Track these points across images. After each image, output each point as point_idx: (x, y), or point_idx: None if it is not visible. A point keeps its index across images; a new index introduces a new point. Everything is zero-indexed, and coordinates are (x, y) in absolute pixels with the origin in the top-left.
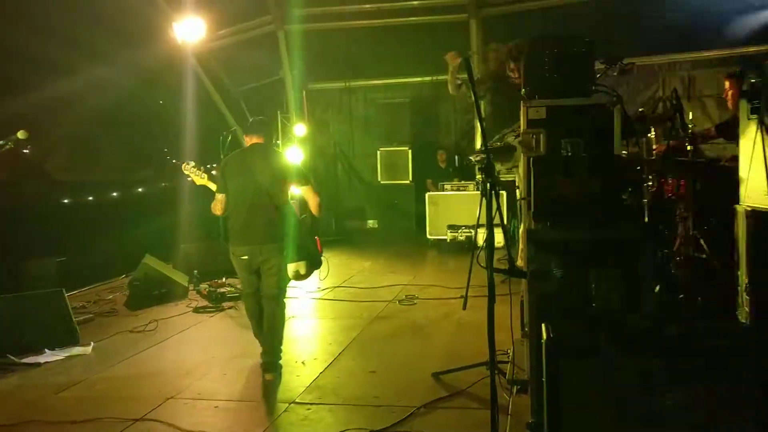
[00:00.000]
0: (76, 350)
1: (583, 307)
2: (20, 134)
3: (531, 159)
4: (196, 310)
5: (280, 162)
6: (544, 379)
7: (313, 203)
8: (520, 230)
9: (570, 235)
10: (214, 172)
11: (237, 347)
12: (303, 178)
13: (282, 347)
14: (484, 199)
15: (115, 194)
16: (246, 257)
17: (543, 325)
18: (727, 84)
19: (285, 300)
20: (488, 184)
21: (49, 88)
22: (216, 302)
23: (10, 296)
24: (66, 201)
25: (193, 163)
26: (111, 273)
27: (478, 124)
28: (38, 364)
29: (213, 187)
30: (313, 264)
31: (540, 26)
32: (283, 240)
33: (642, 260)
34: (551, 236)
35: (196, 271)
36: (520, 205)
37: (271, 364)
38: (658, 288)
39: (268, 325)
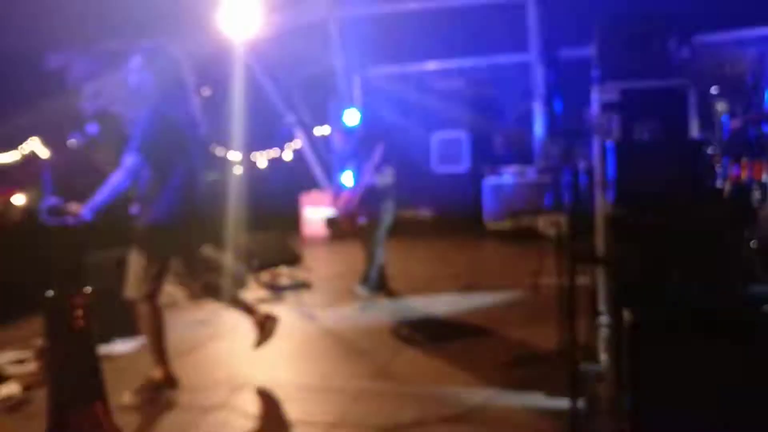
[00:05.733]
0: None
1: (666, 293)
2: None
3: (612, 144)
4: (258, 300)
5: None
6: (625, 365)
7: None
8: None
9: (653, 220)
10: None
11: (303, 336)
12: None
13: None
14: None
15: None
16: None
17: (624, 311)
18: None
19: None
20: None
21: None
22: (277, 292)
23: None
24: None
25: None
26: None
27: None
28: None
29: None
30: None
31: None
32: None
33: (729, 246)
34: (634, 221)
35: (255, 261)
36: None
37: None
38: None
39: None
